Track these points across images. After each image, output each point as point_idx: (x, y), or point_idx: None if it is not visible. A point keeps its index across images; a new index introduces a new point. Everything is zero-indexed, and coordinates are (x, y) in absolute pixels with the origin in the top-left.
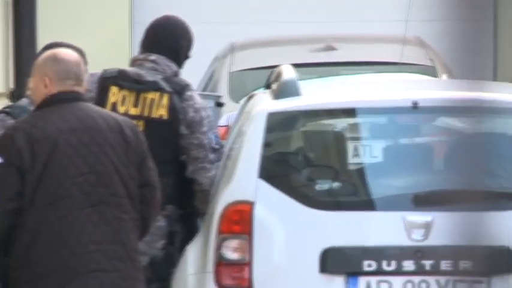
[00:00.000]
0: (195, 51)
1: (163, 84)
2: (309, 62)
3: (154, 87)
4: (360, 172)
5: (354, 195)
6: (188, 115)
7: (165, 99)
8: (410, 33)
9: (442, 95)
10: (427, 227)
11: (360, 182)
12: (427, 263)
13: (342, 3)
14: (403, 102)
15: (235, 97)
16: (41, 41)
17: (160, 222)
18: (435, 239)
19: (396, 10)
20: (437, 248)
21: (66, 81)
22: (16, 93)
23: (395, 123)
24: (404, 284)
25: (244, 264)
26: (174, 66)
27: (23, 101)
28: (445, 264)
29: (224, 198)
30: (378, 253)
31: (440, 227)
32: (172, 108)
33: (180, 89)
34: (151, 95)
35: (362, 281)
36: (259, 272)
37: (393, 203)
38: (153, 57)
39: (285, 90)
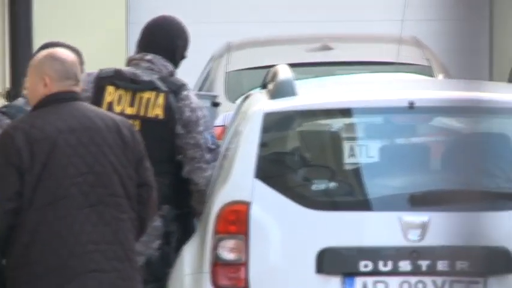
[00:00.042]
0: (192, 51)
1: (159, 84)
2: (305, 62)
3: (150, 86)
4: (356, 172)
5: (350, 195)
6: (184, 115)
7: (161, 99)
8: (407, 33)
9: (438, 95)
10: (424, 227)
11: (356, 182)
12: (424, 264)
13: (339, 3)
14: (399, 102)
15: (232, 97)
16: (37, 41)
17: (156, 223)
18: (431, 239)
19: (393, 10)
20: (433, 248)
21: (66, 81)
22: (12, 93)
23: (391, 123)
24: (401, 284)
25: (240, 265)
26: (170, 66)
27: (19, 101)
28: (441, 265)
29: (220, 198)
30: (374, 253)
31: (437, 227)
32: (168, 108)
33: (176, 89)
34: (147, 95)
35: (358, 281)
36: (255, 272)
37: (389, 203)
38: (149, 56)
39: (281, 90)
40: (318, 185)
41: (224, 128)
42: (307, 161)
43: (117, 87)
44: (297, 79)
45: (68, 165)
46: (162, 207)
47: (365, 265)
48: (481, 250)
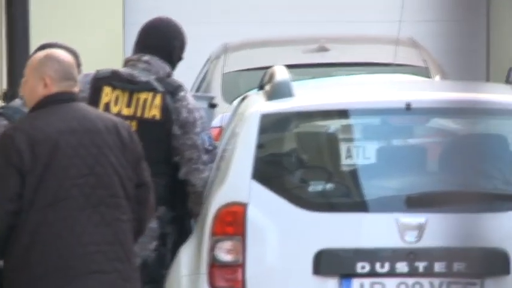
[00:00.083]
0: (189, 52)
1: (156, 85)
2: (302, 63)
3: (148, 87)
4: (353, 173)
5: (347, 196)
6: (181, 115)
7: (158, 100)
8: (404, 34)
9: (435, 96)
10: (421, 228)
11: (353, 184)
12: (421, 265)
13: (337, 4)
14: (396, 103)
15: (229, 98)
16: (34, 42)
17: (152, 224)
18: (428, 241)
19: (390, 11)
20: (430, 249)
21: (66, 82)
22: (9, 94)
23: (388, 124)
24: (398, 285)
25: (237, 266)
26: (167, 67)
27: (16, 102)
28: (438, 266)
29: (217, 200)
30: (371, 255)
31: (434, 229)
32: (165, 109)
33: (173, 90)
34: (144, 95)
35: (355, 282)
36: (252, 273)
37: (386, 205)
38: (146, 57)
39: (278, 92)
40: (315, 187)
41: (221, 129)
42: (304, 163)
43: (114, 87)
44: (293, 80)
45: (69, 166)
46: (158, 208)
47: (362, 266)
48: (478, 251)
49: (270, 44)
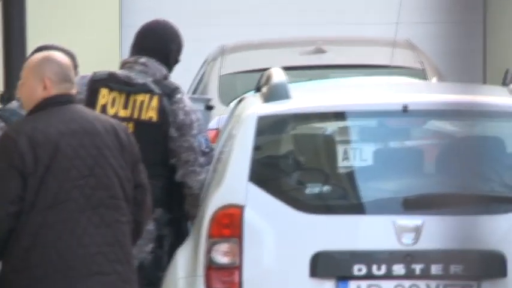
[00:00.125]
0: (186, 54)
1: (153, 87)
2: (299, 65)
3: (144, 89)
4: (350, 176)
5: (344, 198)
6: (178, 118)
7: (154, 101)
8: (401, 36)
9: (432, 98)
10: (417, 230)
11: (350, 186)
12: (417, 267)
13: (334, 6)
14: (393, 105)
15: (225, 100)
16: (31, 44)
17: (149, 226)
18: (425, 243)
19: (387, 13)
20: (427, 252)
21: (65, 84)
22: (6, 96)
23: (385, 126)
24: None
25: (234, 268)
26: (164, 70)
27: (13, 104)
28: (435, 269)
29: (214, 202)
30: (368, 257)
31: (431, 231)
32: (162, 111)
33: (169, 92)
34: (141, 97)
35: (352, 285)
36: (249, 275)
37: (383, 207)
38: (143, 59)
39: (275, 94)
40: (312, 189)
41: (218, 131)
42: (301, 165)
43: (111, 89)
44: (290, 82)
45: (70, 168)
46: (155, 210)
47: (359, 269)
48: (475, 254)
49: (267, 46)
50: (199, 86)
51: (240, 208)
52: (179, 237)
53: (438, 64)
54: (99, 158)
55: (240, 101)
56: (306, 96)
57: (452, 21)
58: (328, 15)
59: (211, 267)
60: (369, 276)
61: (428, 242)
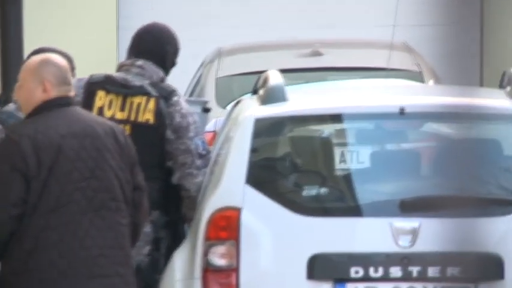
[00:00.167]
0: (183, 57)
1: (150, 89)
2: (296, 68)
3: (141, 91)
4: (347, 178)
5: (341, 201)
6: (175, 120)
7: (151, 104)
8: (398, 39)
9: (429, 100)
10: (414, 233)
11: (347, 188)
12: (414, 270)
13: (332, 9)
14: (390, 108)
15: (222, 102)
16: (28, 46)
17: (146, 228)
18: (422, 245)
19: (385, 15)
20: (424, 254)
21: (64, 86)
22: (3, 99)
23: (382, 129)
24: None
25: (231, 271)
26: (160, 72)
27: (10, 106)
28: (432, 271)
29: (211, 204)
30: (365, 259)
31: (428, 233)
32: (158, 113)
33: (166, 94)
34: (138, 99)
35: (349, 287)
36: (246, 278)
37: (380, 209)
38: (139, 62)
39: (272, 96)
40: (309, 191)
41: (215, 133)
42: (298, 167)
43: (108, 92)
44: (287, 85)
45: (72, 170)
46: (152, 213)
47: (356, 271)
48: (472, 256)
49: (264, 48)
50: (196, 88)
51: (237, 210)
52: (176, 239)
53: (435, 66)
54: (100, 160)
55: (237, 103)
56: (303, 99)
57: (449, 24)
58: (325, 18)
59: (208, 269)
60: (366, 278)
61: (425, 245)
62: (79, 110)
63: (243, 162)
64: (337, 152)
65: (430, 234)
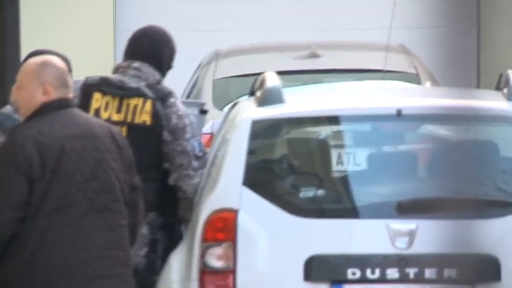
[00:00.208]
0: (180, 60)
1: (147, 91)
2: (293, 70)
3: (138, 93)
4: (344, 180)
5: (338, 202)
6: (171, 122)
7: (148, 105)
8: (395, 41)
9: (426, 102)
10: (411, 234)
11: (344, 190)
12: (411, 271)
13: (329, 11)
14: (387, 109)
15: (219, 104)
16: (24, 48)
17: (142, 230)
18: (419, 247)
19: (383, 18)
20: (421, 256)
21: (64, 89)
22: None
23: (379, 130)
24: None
25: (228, 272)
26: (157, 74)
27: (7, 108)
28: (429, 272)
29: (208, 206)
30: (362, 261)
31: (425, 235)
32: (155, 114)
33: (163, 96)
34: (134, 101)
35: None
36: (243, 280)
37: (377, 211)
38: (136, 64)
39: (269, 98)
40: (306, 193)
41: (212, 135)
42: (295, 169)
43: (104, 93)
44: (284, 87)
45: (75, 171)
46: (148, 214)
47: (353, 273)
48: (469, 258)
49: (261, 50)
50: (193, 90)
51: (234, 212)
52: (173, 241)
53: (433, 68)
54: (101, 161)
55: (234, 105)
56: (300, 101)
57: (447, 26)
58: (322, 20)
59: (205, 271)
60: (363, 280)
61: (422, 246)
62: (78, 112)
63: (240, 164)
64: (334, 153)
65: (427, 235)
